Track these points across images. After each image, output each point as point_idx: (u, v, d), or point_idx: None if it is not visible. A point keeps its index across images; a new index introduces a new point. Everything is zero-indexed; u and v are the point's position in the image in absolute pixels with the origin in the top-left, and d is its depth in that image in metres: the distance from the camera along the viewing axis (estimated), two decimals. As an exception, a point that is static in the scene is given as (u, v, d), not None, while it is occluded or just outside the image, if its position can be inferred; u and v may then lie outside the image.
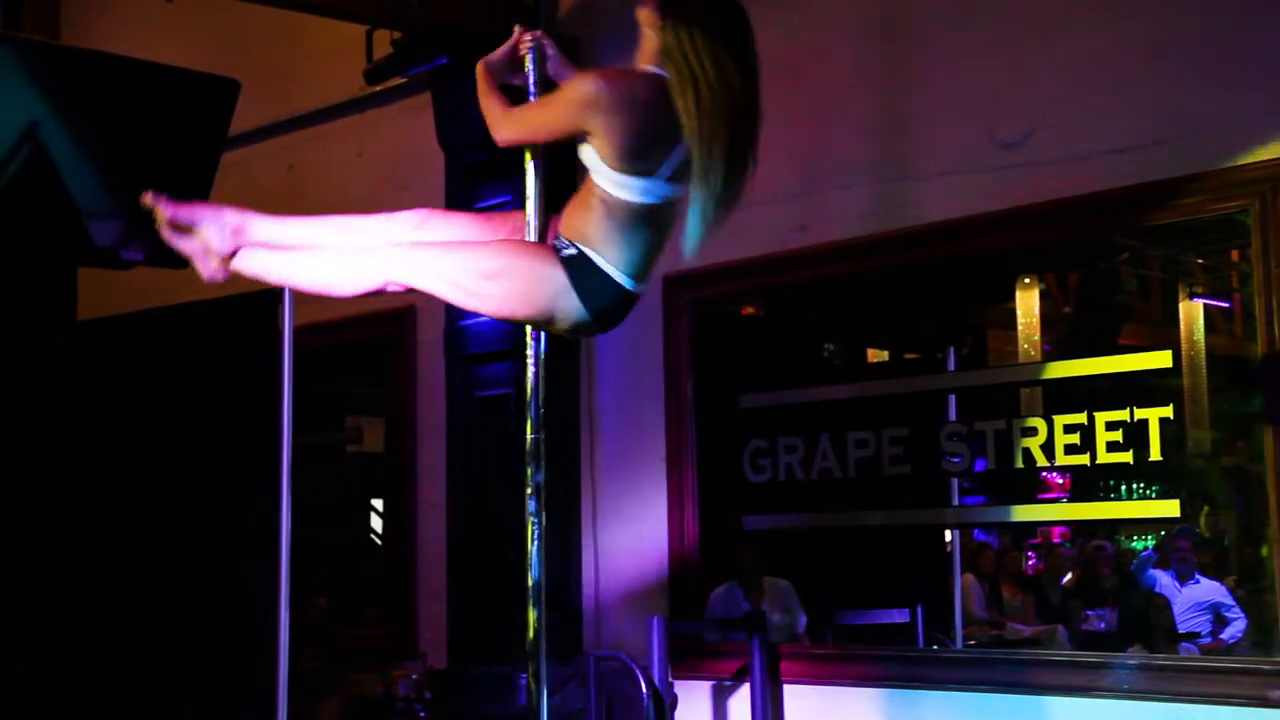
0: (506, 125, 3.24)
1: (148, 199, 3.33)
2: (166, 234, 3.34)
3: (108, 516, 5.16)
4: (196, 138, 4.93)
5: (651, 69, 3.16)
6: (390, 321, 6.54)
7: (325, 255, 3.30)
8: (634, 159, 3.13)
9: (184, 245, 3.33)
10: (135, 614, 5.09)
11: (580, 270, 3.16)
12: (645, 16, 3.21)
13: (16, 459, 5.45)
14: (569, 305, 3.16)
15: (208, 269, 3.32)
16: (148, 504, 5.06)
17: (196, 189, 5.02)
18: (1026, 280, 8.47)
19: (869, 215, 5.10)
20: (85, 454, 5.26)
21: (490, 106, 3.26)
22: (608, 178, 3.14)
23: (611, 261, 3.16)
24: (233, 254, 3.30)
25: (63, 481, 5.32)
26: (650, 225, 3.19)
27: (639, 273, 3.19)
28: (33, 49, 4.82)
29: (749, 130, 3.18)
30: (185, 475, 5.01)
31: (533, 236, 3.27)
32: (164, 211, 3.32)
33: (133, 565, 5.10)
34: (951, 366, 6.16)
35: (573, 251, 3.15)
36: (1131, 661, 4.65)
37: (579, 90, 3.15)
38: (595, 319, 3.20)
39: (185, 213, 3.33)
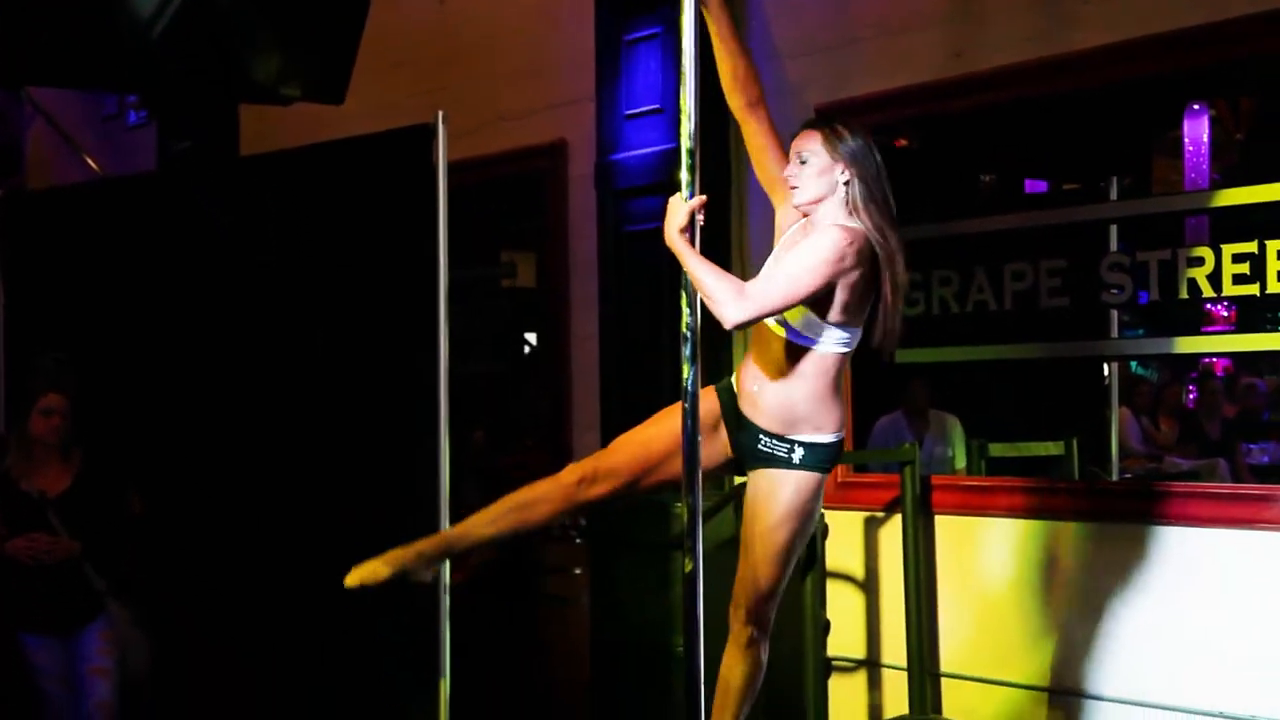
0: (739, 305, 3.05)
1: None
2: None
3: (266, 350, 5.32)
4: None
5: (846, 223, 3.17)
6: (543, 155, 6.55)
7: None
8: (858, 309, 3.19)
9: None
10: (298, 448, 5.26)
11: (820, 461, 3.31)
12: (821, 158, 3.24)
13: (180, 296, 5.64)
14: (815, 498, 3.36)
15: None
16: (306, 338, 5.20)
17: (349, 26, 5.06)
18: (1195, 106, 8.14)
19: (1028, 40, 4.92)
20: (245, 288, 5.41)
21: (705, 275, 3.08)
22: (824, 333, 3.20)
23: (833, 429, 3.31)
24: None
25: (223, 316, 5.49)
26: (841, 373, 3.29)
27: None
28: (187, -113, 4.85)
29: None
30: (343, 310, 5.13)
31: (690, 74, 3.20)
32: None
33: (293, 399, 5.26)
34: (1114, 196, 5.98)
35: (802, 453, 3.29)
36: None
37: (831, 245, 3.08)
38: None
39: None
